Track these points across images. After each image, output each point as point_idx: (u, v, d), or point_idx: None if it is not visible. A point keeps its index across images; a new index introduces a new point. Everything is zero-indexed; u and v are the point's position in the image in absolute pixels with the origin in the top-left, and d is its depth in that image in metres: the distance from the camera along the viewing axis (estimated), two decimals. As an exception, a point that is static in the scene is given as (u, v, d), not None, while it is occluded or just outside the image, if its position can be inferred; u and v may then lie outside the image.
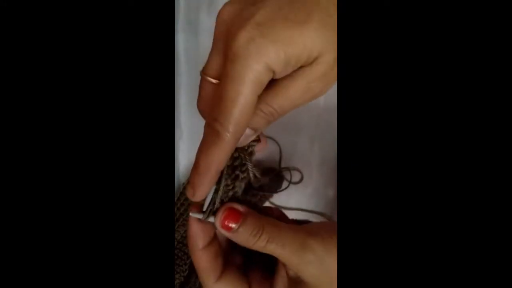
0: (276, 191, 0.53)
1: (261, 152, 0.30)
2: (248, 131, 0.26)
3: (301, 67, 0.24)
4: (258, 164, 0.33)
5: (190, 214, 0.29)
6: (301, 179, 0.53)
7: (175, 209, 0.52)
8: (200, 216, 0.28)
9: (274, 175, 0.52)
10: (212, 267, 0.29)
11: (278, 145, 0.53)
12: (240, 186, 0.29)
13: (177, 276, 0.48)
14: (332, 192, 0.53)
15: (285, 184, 0.53)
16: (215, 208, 0.28)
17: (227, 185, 0.29)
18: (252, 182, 0.30)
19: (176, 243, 0.50)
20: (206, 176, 0.26)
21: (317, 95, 0.26)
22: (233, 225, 0.28)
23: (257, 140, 0.29)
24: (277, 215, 0.31)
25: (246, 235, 0.27)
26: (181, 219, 0.51)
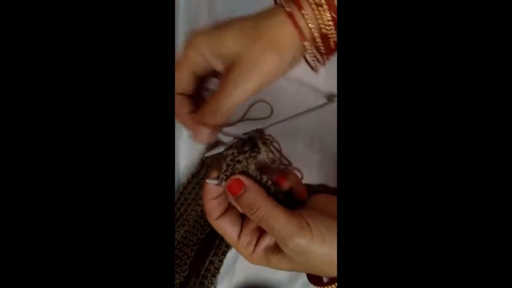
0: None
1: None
2: (204, 129, 0.32)
3: (230, 65, 0.31)
4: (257, 163, 0.36)
5: (207, 180, 0.35)
6: (301, 179, 0.53)
7: (175, 209, 0.52)
8: (215, 182, 0.34)
9: (275, 169, 0.52)
10: (218, 204, 0.36)
11: (278, 144, 0.53)
12: (247, 162, 0.34)
13: (177, 276, 0.48)
14: (332, 192, 0.53)
15: (285, 184, 0.53)
16: (226, 177, 0.34)
17: (234, 156, 0.33)
18: (269, 162, 0.35)
19: (176, 243, 0.50)
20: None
21: (247, 90, 0.31)
22: (238, 193, 0.33)
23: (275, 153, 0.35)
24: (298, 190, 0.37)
25: (244, 205, 0.33)
26: (181, 219, 0.51)
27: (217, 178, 0.34)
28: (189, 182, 0.53)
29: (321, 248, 0.31)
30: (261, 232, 0.35)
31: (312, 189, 0.40)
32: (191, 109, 0.34)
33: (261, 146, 0.34)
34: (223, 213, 0.36)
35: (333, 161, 0.53)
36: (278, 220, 0.32)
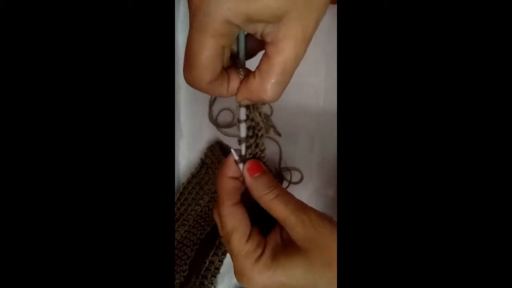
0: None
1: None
2: (246, 100, 0.29)
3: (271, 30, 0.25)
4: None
5: (232, 150, 0.34)
6: (301, 179, 0.53)
7: (175, 209, 0.52)
8: (236, 158, 0.34)
9: (274, 175, 0.52)
10: (233, 193, 0.34)
11: (278, 145, 0.53)
12: (262, 144, 0.35)
13: (177, 276, 0.48)
14: (332, 192, 0.53)
15: (285, 184, 0.53)
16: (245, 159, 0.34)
17: (250, 141, 0.34)
18: (266, 130, 0.35)
19: (176, 243, 0.50)
20: None
21: (295, 56, 0.26)
22: (256, 174, 0.33)
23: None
24: None
25: (261, 185, 0.32)
26: (181, 219, 0.51)
27: (240, 156, 0.34)
28: (189, 182, 0.53)
29: (332, 231, 0.31)
30: (263, 237, 0.33)
31: None
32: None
33: (257, 117, 0.33)
34: (237, 203, 0.33)
35: (333, 163, 0.53)
36: (292, 196, 0.32)
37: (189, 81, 0.28)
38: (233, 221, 0.32)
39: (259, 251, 0.31)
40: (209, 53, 0.25)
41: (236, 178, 0.34)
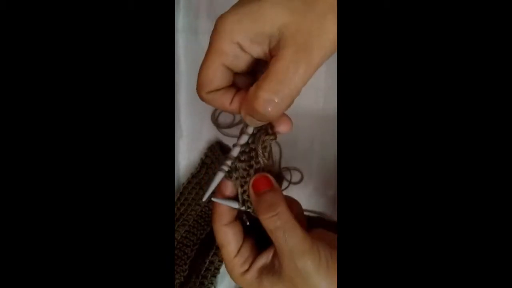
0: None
1: (288, 131, 0.33)
2: (248, 117, 0.28)
3: (278, 43, 0.26)
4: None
5: (213, 199, 0.33)
6: (301, 179, 0.53)
7: (175, 209, 0.52)
8: (221, 201, 0.33)
9: (274, 175, 0.52)
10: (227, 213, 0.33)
11: (278, 145, 0.53)
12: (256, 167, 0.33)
13: (177, 276, 0.48)
14: (332, 192, 0.53)
15: (285, 184, 0.53)
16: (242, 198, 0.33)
17: (244, 172, 0.32)
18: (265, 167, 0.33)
19: (176, 243, 0.50)
20: None
21: (310, 68, 0.25)
22: (260, 191, 0.31)
23: (273, 134, 0.32)
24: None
25: (265, 204, 0.30)
26: (181, 219, 0.51)
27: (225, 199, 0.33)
28: (189, 182, 0.53)
29: (324, 279, 0.29)
30: (257, 253, 0.33)
31: (311, 222, 0.39)
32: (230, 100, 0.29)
33: (260, 152, 0.32)
34: (231, 222, 0.33)
35: (333, 163, 0.53)
36: (295, 233, 0.29)
37: (196, 88, 0.29)
38: (222, 239, 0.33)
39: (246, 266, 0.32)
40: (213, 68, 0.28)
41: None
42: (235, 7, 0.26)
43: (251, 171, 0.32)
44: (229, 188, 0.33)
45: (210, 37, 0.27)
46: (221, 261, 0.50)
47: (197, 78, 0.29)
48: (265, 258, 0.33)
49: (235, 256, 0.33)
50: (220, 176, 0.32)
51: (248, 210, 0.33)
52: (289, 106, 0.27)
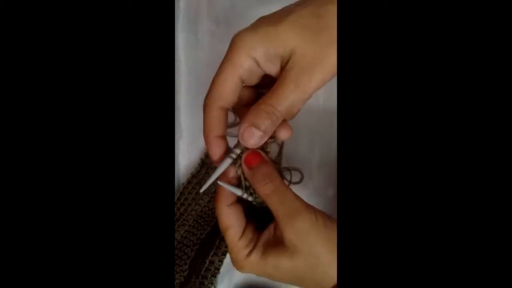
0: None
1: (288, 138, 0.35)
2: (256, 131, 0.30)
3: (287, 63, 0.29)
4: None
5: (219, 182, 0.33)
6: (301, 179, 0.53)
7: (175, 209, 0.52)
8: (226, 185, 0.34)
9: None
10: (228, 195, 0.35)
11: (278, 145, 0.53)
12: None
13: (177, 276, 0.48)
14: (332, 192, 0.53)
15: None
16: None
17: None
18: None
19: (176, 243, 0.50)
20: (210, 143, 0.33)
21: (308, 89, 0.29)
22: (253, 165, 0.33)
23: (273, 137, 0.33)
24: None
25: (258, 176, 0.32)
26: (181, 219, 0.51)
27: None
28: (189, 182, 0.53)
29: (322, 238, 0.30)
30: (259, 234, 0.35)
31: None
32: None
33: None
34: (234, 204, 0.34)
35: (333, 163, 0.53)
36: (288, 194, 0.31)
37: (206, 100, 0.31)
38: (227, 221, 0.34)
39: (250, 247, 0.33)
40: (229, 80, 0.30)
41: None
42: (253, 27, 0.29)
43: None
44: (234, 175, 0.34)
45: (227, 52, 0.30)
46: (221, 261, 0.50)
47: (209, 90, 0.31)
48: (267, 233, 0.34)
49: (240, 238, 0.34)
50: (227, 162, 0.33)
51: (250, 197, 0.34)
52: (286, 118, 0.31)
